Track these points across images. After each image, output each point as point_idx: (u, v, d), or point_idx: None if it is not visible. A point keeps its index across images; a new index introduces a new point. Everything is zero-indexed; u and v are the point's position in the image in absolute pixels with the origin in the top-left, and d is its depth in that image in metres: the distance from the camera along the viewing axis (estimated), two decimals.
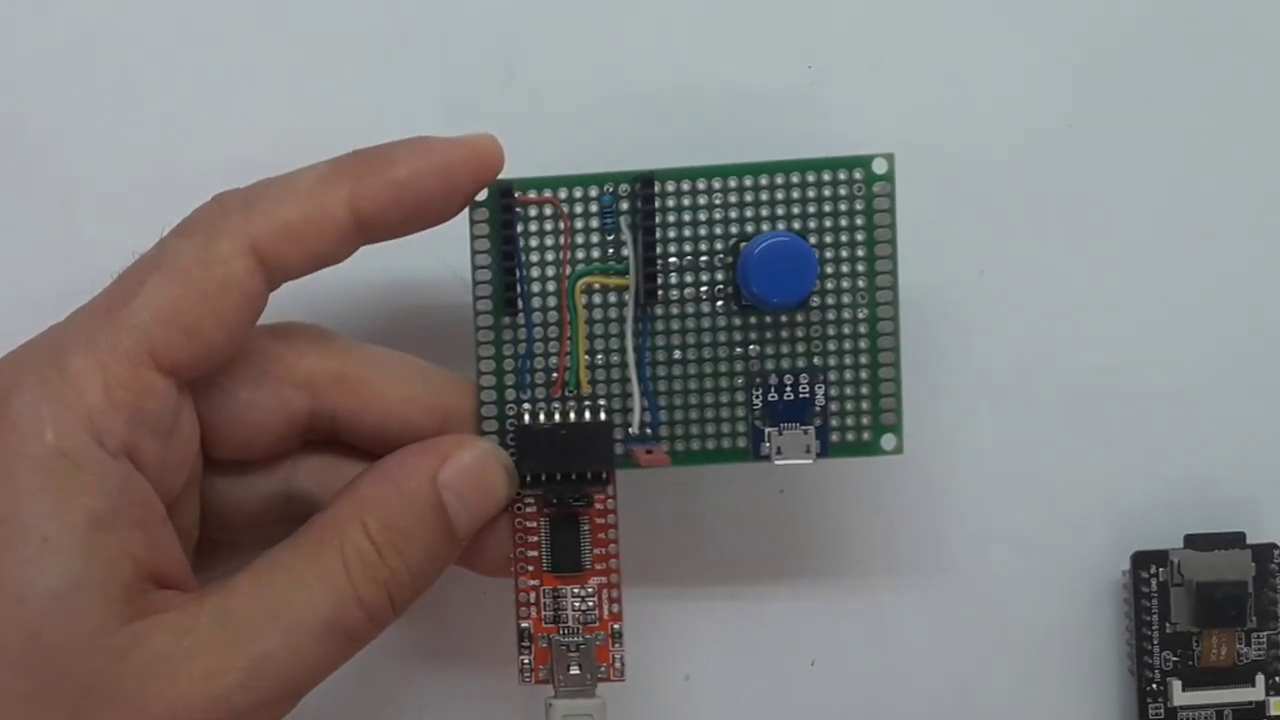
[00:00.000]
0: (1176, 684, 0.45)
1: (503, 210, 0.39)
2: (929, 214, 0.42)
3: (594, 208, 0.40)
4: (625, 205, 0.39)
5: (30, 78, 0.45)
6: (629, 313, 0.40)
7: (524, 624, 0.40)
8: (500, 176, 0.39)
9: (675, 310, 0.40)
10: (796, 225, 0.39)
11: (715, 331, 0.40)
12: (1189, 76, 0.46)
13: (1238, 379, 0.46)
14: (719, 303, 0.40)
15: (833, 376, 0.40)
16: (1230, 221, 0.46)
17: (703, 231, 0.40)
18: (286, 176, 0.37)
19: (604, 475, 0.40)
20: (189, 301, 0.36)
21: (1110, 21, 0.46)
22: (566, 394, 0.40)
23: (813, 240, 0.39)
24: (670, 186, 0.39)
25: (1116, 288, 0.46)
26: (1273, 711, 0.45)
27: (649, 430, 0.40)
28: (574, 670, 0.40)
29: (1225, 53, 0.46)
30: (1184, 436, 0.46)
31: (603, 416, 0.40)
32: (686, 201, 0.39)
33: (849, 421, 0.40)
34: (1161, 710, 0.45)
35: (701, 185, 0.39)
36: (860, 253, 0.39)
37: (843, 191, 0.39)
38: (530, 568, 0.40)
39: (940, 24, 0.46)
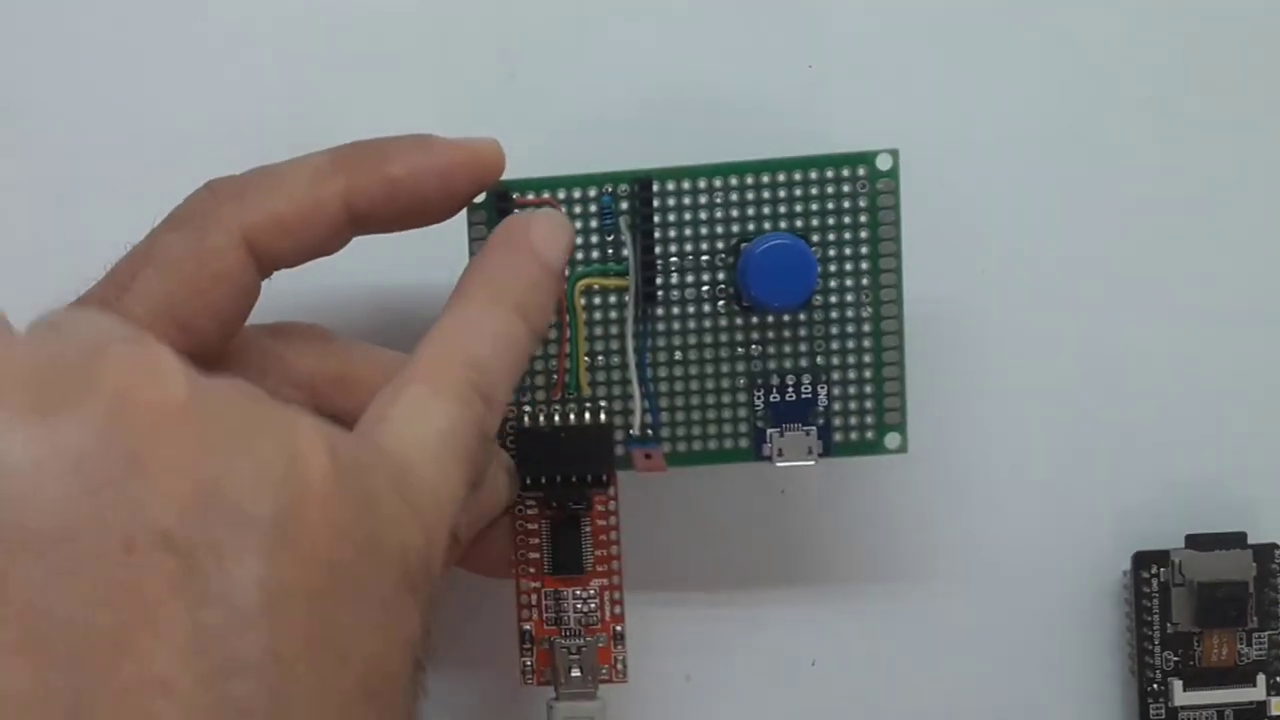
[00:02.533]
0: (1177, 684, 0.45)
1: (500, 213, 0.39)
2: (931, 213, 0.42)
3: (592, 208, 0.39)
4: (625, 206, 0.39)
5: (29, 74, 0.45)
6: (629, 314, 0.39)
7: (525, 626, 0.40)
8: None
9: (676, 311, 0.40)
10: (799, 224, 0.39)
11: (716, 332, 0.40)
12: (1192, 77, 0.46)
13: (1239, 379, 0.46)
14: (720, 303, 0.40)
15: (836, 376, 0.40)
16: (1233, 221, 0.46)
17: (703, 231, 0.39)
18: (281, 166, 0.37)
19: (605, 477, 0.40)
20: (182, 296, 0.35)
21: (1113, 21, 0.45)
22: (567, 396, 0.40)
23: (815, 239, 0.39)
24: (670, 186, 0.39)
25: (1119, 287, 0.46)
26: (1274, 712, 0.45)
27: (650, 432, 0.40)
28: (575, 672, 0.40)
29: (1228, 54, 0.46)
30: (1185, 436, 0.46)
31: (603, 418, 0.40)
32: (687, 201, 0.39)
33: (852, 421, 0.40)
34: (1162, 710, 0.45)
35: (702, 185, 0.39)
36: (864, 250, 0.39)
37: (846, 189, 0.39)
38: (531, 570, 0.40)
39: (943, 23, 0.45)
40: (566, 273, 0.39)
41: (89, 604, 0.24)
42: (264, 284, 0.37)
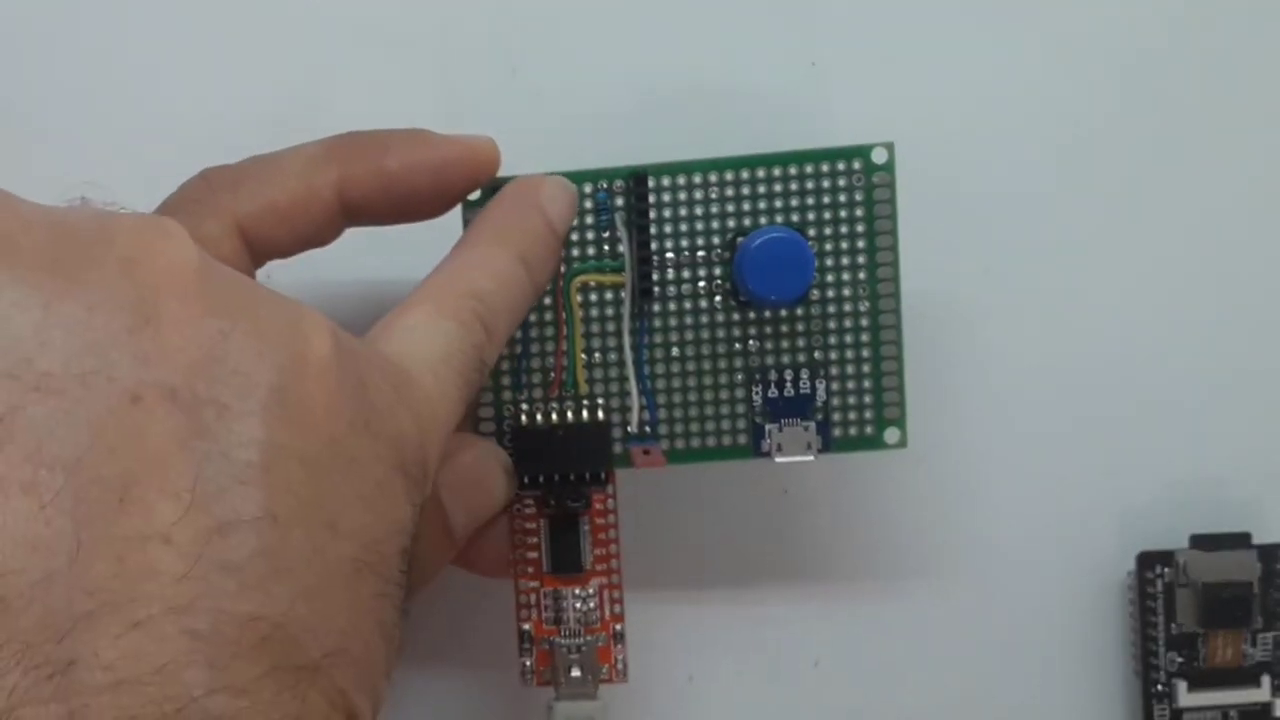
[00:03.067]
0: (1182, 685, 0.45)
1: None
2: (933, 211, 0.42)
3: (588, 204, 0.39)
4: (620, 202, 0.39)
5: (28, 72, 0.45)
6: (626, 310, 0.39)
7: (524, 626, 0.40)
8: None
9: (673, 307, 0.39)
10: (795, 218, 0.39)
11: (714, 328, 0.40)
12: (1195, 76, 0.46)
13: (1244, 379, 0.46)
14: (717, 298, 0.39)
15: (834, 371, 0.39)
16: (1237, 220, 0.46)
17: (699, 226, 0.39)
18: (276, 155, 0.37)
19: (603, 475, 0.39)
20: None
21: (1116, 19, 0.45)
22: (564, 394, 0.40)
23: (812, 233, 0.39)
24: (665, 181, 0.39)
25: (1122, 286, 0.46)
26: (1279, 713, 0.45)
27: (648, 429, 0.40)
28: (575, 672, 0.40)
29: (1232, 54, 0.46)
30: (1190, 436, 0.46)
31: (601, 416, 0.40)
32: (683, 196, 0.39)
33: (851, 416, 0.40)
34: (1167, 712, 0.45)
35: (697, 180, 0.39)
36: (861, 244, 0.39)
37: (842, 183, 0.39)
38: (530, 569, 0.40)
39: (946, 21, 0.45)
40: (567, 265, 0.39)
41: (96, 452, 0.25)
42: (261, 279, 0.37)
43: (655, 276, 0.39)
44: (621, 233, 0.39)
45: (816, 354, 0.39)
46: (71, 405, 0.25)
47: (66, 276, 0.26)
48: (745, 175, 0.39)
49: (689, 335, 0.39)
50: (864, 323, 0.39)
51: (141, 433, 0.25)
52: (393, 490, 0.29)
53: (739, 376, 0.40)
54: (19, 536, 0.24)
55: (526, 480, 0.39)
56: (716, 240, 0.39)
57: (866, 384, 0.39)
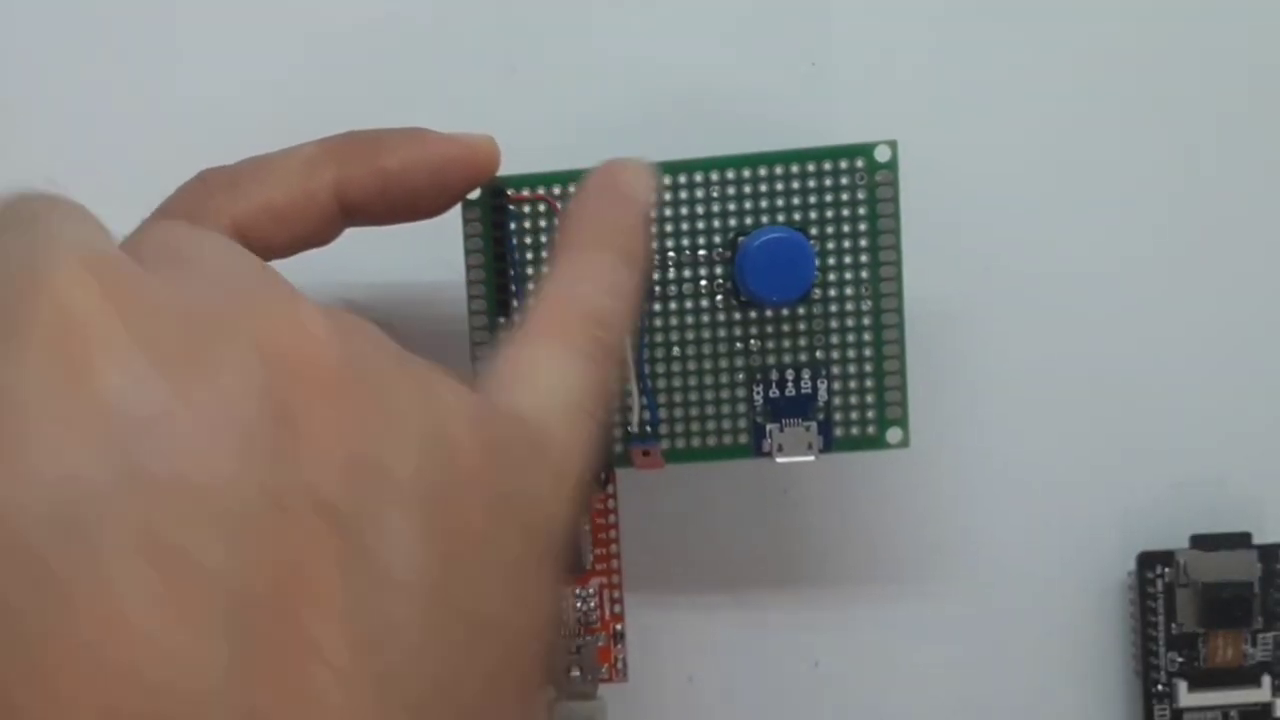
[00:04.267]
0: (1182, 685, 0.45)
1: (495, 210, 0.39)
2: (935, 210, 0.42)
3: None
4: None
5: (25, 70, 0.45)
6: None
7: None
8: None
9: (673, 306, 0.39)
10: (797, 217, 0.39)
11: (715, 327, 0.39)
12: (1196, 74, 0.45)
13: (1244, 379, 0.46)
14: (718, 298, 0.39)
15: (836, 370, 0.39)
16: (1238, 221, 0.46)
17: (700, 225, 0.39)
18: (273, 156, 0.37)
19: (603, 475, 0.39)
20: None
21: (1117, 17, 0.45)
22: None
23: (814, 232, 0.39)
24: (666, 180, 0.39)
25: (1124, 286, 0.46)
26: (1279, 713, 0.45)
27: (648, 429, 0.40)
28: (574, 672, 0.39)
29: (1232, 51, 0.46)
30: (1190, 436, 0.46)
31: None
32: (683, 195, 0.39)
33: (853, 416, 0.39)
34: (1167, 712, 0.45)
35: (698, 178, 0.39)
36: (864, 243, 0.39)
37: (844, 181, 0.39)
38: None
39: (945, 20, 0.45)
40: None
41: (245, 565, 0.23)
42: None
43: (656, 275, 0.39)
44: None
45: (818, 353, 0.39)
46: (217, 514, 0.23)
47: (207, 375, 0.23)
48: (747, 174, 0.39)
49: (690, 335, 0.39)
50: (866, 322, 0.39)
51: (293, 546, 0.23)
52: (546, 582, 0.28)
53: (740, 376, 0.39)
54: (171, 650, 0.22)
55: None
56: (718, 239, 0.39)
57: (868, 383, 0.39)
